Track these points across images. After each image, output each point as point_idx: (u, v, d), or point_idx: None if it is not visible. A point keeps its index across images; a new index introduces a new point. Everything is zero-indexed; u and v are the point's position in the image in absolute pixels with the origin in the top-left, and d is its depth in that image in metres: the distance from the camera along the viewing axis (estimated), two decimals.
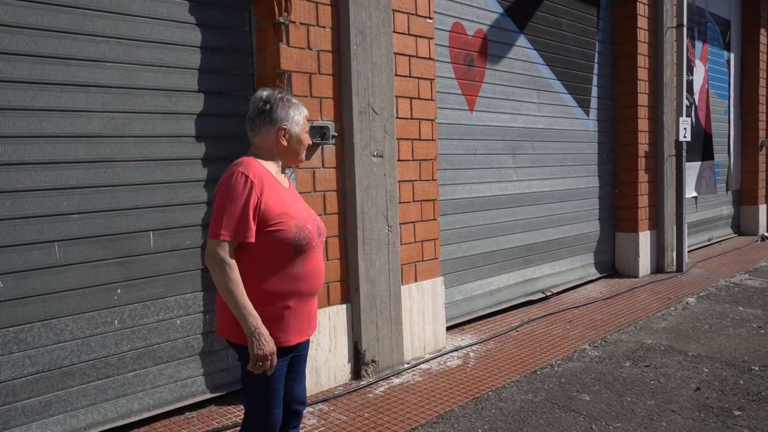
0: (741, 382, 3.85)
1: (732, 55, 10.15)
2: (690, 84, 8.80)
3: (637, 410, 3.45)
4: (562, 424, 3.29)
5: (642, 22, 6.98)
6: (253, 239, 2.02)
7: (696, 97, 9.04)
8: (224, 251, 2.02)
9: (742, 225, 10.55)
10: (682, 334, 4.87)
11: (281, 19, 3.54)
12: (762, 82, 10.43)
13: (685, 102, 8.51)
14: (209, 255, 2.05)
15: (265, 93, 2.25)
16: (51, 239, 3.00)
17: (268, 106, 2.22)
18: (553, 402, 3.59)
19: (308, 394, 3.62)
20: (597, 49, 6.86)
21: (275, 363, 2.06)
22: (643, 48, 7.01)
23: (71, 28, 3.01)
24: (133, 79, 3.23)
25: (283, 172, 2.28)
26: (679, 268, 7.33)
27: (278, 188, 2.13)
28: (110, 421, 3.21)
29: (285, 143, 2.21)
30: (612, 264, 7.27)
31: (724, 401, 3.55)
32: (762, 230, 10.42)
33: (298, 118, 2.22)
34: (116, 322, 3.23)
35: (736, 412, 3.40)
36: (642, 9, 6.97)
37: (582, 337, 4.84)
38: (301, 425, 3.22)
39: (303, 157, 2.33)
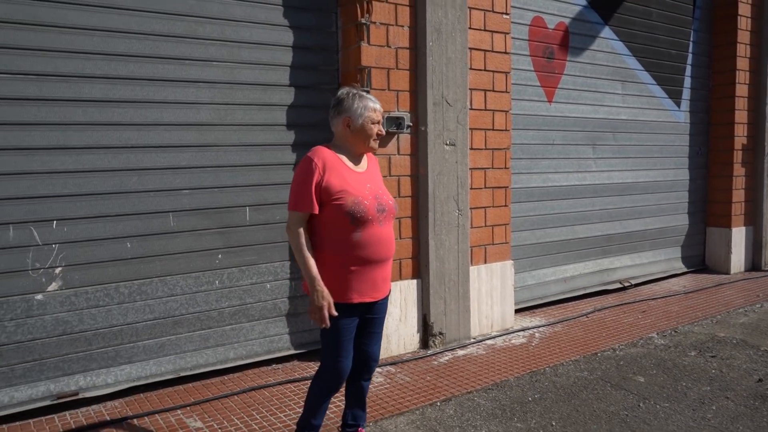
0: None
1: None
2: None
3: (690, 394, 3.57)
4: (611, 400, 3.49)
5: (744, 9, 6.73)
6: (315, 211, 2.45)
7: None
8: (293, 221, 2.47)
9: None
10: (760, 330, 4.80)
11: (363, 20, 3.95)
12: None
13: None
14: (287, 224, 2.51)
15: (341, 90, 2.66)
16: (167, 210, 3.61)
17: (339, 101, 2.62)
18: (606, 380, 3.78)
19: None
20: (691, 39, 6.71)
21: (329, 314, 2.46)
22: (744, 36, 6.76)
23: (186, 33, 3.59)
24: (235, 76, 3.78)
25: (358, 157, 2.64)
26: None
27: (342, 170, 2.52)
28: (210, 365, 3.80)
29: (350, 132, 2.60)
30: (702, 259, 7.10)
31: None
32: None
33: (361, 110, 2.58)
34: (217, 282, 3.81)
35: None
36: None
37: (652, 326, 4.91)
38: (370, 383, 3.65)
39: (372, 144, 2.63)
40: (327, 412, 2.87)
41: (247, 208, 3.89)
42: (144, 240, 3.55)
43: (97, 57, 3.34)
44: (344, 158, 2.60)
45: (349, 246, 2.50)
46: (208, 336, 3.81)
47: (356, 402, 2.84)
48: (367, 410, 3.12)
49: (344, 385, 2.78)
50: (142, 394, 3.57)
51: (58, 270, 3.32)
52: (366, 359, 2.74)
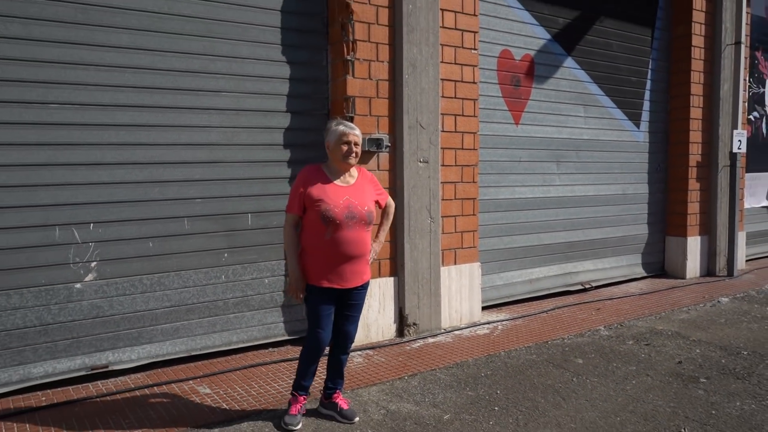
0: (723, 361, 4.52)
1: None
2: (760, 97, 9.04)
3: (618, 372, 4.27)
4: (550, 376, 4.19)
5: (697, 41, 7.48)
6: (300, 213, 3.19)
7: None
8: (287, 220, 3.22)
9: None
10: (695, 325, 5.51)
11: (349, 57, 4.70)
12: None
13: (753, 114, 8.84)
14: (284, 223, 3.27)
15: (329, 121, 3.39)
16: (182, 215, 4.34)
17: (326, 130, 3.36)
18: (550, 362, 4.48)
19: (359, 344, 4.75)
20: (650, 66, 7.46)
21: (300, 294, 3.22)
22: (698, 65, 7.52)
23: (200, 69, 4.33)
24: (240, 104, 4.51)
25: (340, 172, 3.33)
26: (730, 273, 7.74)
27: (323, 183, 3.24)
28: (217, 347, 4.51)
29: (330, 152, 3.32)
30: (662, 265, 7.81)
31: (697, 372, 4.27)
32: None
33: (333, 135, 3.26)
34: (223, 276, 4.53)
35: (702, 380, 4.13)
36: (698, 29, 7.47)
37: (602, 321, 5.62)
38: (350, 362, 4.36)
39: (348, 161, 3.33)
40: (313, 382, 3.55)
41: (249, 214, 4.61)
42: (163, 240, 4.27)
43: (128, 89, 4.08)
44: (327, 173, 3.31)
45: (322, 243, 3.21)
46: (215, 322, 4.52)
47: (335, 372, 3.54)
48: (345, 382, 3.82)
49: (327, 359, 3.49)
50: (160, 369, 4.28)
51: (93, 264, 4.04)
52: (343, 336, 3.45)
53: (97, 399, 3.78)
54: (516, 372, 4.27)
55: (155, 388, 3.95)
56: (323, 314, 3.29)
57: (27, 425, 3.40)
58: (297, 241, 3.25)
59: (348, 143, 3.28)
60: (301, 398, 3.43)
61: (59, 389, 3.92)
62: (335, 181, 3.30)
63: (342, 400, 3.51)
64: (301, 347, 4.67)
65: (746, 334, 5.21)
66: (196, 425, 3.38)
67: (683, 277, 7.57)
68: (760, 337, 5.13)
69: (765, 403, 3.72)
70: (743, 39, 7.72)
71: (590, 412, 3.60)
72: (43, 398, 3.79)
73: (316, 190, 3.20)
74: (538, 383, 4.06)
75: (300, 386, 3.42)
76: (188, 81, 4.30)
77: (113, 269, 4.11)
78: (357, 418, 3.46)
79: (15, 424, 3.41)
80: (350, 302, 3.39)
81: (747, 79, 8.42)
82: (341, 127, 3.28)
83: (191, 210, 4.37)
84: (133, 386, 3.96)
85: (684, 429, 3.36)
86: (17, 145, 3.76)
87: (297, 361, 4.35)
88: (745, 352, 4.71)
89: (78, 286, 4.00)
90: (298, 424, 3.35)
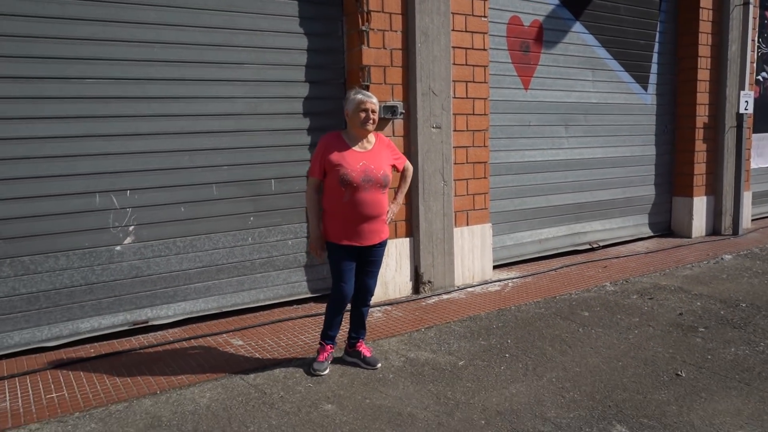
0: (722, 312, 4.80)
1: None
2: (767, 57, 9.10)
3: (621, 323, 4.56)
4: (557, 327, 4.49)
5: (705, 2, 7.55)
6: (321, 177, 3.45)
7: None
8: (309, 184, 3.50)
9: None
10: (698, 280, 5.77)
11: (363, 28, 4.90)
12: None
13: (762, 74, 8.92)
14: (306, 187, 3.54)
15: (352, 90, 3.61)
16: (211, 182, 4.62)
17: (345, 98, 3.59)
18: (557, 314, 4.78)
19: (378, 301, 5.06)
20: (658, 29, 7.56)
21: (322, 250, 3.52)
22: (705, 26, 7.60)
23: (223, 43, 4.56)
24: (262, 75, 4.75)
25: (358, 138, 3.58)
26: (735, 232, 7.96)
27: (342, 148, 3.48)
28: (245, 304, 4.85)
29: (349, 119, 3.55)
30: (668, 225, 8.04)
31: (696, 323, 4.56)
32: None
33: (352, 103, 3.51)
34: (250, 239, 4.83)
35: (701, 329, 4.41)
36: None
37: (608, 278, 5.89)
38: (370, 317, 4.67)
39: (366, 127, 3.57)
40: (338, 334, 3.87)
41: (273, 180, 4.89)
42: (194, 205, 4.57)
43: (157, 63, 4.32)
44: (346, 139, 3.56)
45: (341, 204, 3.47)
46: (243, 281, 4.85)
47: (358, 324, 3.85)
48: (367, 334, 4.13)
49: (349, 312, 3.80)
50: (194, 324, 4.63)
51: (131, 228, 4.35)
52: (364, 290, 3.74)
53: (141, 350, 4.13)
54: (525, 324, 4.57)
55: (192, 341, 4.30)
56: (345, 269, 3.58)
57: (81, 373, 3.76)
58: (318, 204, 3.52)
59: (366, 110, 3.51)
60: (328, 347, 3.75)
61: (105, 342, 4.28)
62: (354, 147, 3.54)
63: (365, 349, 3.84)
64: (323, 304, 5.03)
65: (746, 288, 5.46)
66: (233, 372, 3.72)
67: (689, 236, 7.80)
68: (759, 290, 5.39)
69: (758, 348, 4.01)
70: None
71: (594, 358, 3.90)
72: (92, 350, 4.15)
73: (336, 156, 3.45)
74: (546, 333, 4.36)
75: (327, 336, 3.74)
76: (212, 54, 4.53)
77: (149, 233, 4.42)
78: (379, 364, 3.79)
79: (70, 372, 3.78)
80: (370, 258, 3.68)
81: (756, 39, 8.47)
82: (359, 96, 3.51)
83: (219, 176, 4.65)
84: (171, 339, 4.32)
85: (681, 371, 3.66)
86: (59, 118, 4.03)
87: (321, 316, 4.70)
88: (743, 305, 4.98)
89: (118, 248, 4.32)
90: (325, 369, 3.67)
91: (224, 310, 4.76)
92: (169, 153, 4.43)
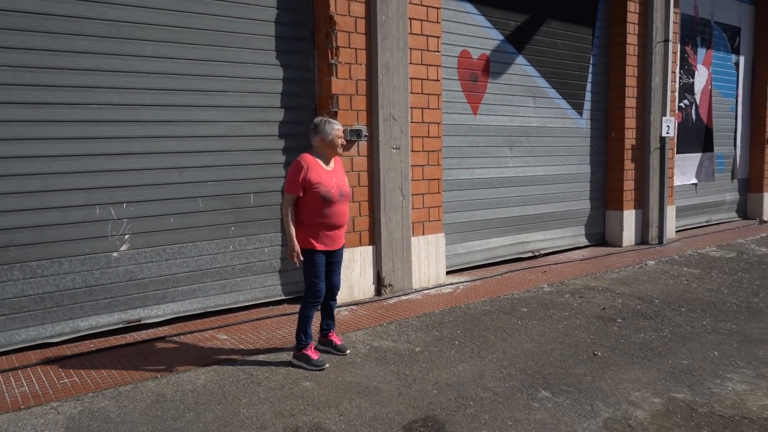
0: (638, 307, 5.64)
1: (742, 58, 11.39)
2: (689, 86, 10.23)
3: (553, 317, 5.35)
4: (500, 320, 5.24)
5: (631, 39, 8.57)
6: (301, 194, 4.07)
7: (697, 97, 10.45)
8: (286, 200, 4.10)
9: (749, 210, 11.83)
10: (622, 282, 6.64)
11: (332, 61, 5.60)
12: None
13: (683, 102, 10.03)
14: (282, 202, 4.14)
15: (316, 119, 4.28)
16: (197, 195, 5.21)
17: (317, 126, 4.25)
18: (500, 311, 5.54)
19: (344, 301, 5.71)
20: (591, 62, 8.53)
21: (299, 256, 4.07)
22: (632, 60, 8.61)
23: (210, 73, 5.18)
24: (244, 101, 5.38)
25: (329, 160, 4.26)
26: (660, 241, 8.94)
27: (319, 169, 4.14)
28: (227, 305, 5.43)
29: (325, 144, 4.23)
30: (602, 236, 8.97)
31: (616, 315, 5.38)
32: (766, 215, 11.67)
33: (331, 131, 4.21)
34: (231, 247, 5.43)
35: (618, 320, 5.23)
36: (632, 28, 8.55)
37: (546, 280, 6.70)
38: (338, 315, 5.31)
39: (338, 151, 4.28)
40: (311, 329, 4.49)
41: (252, 194, 5.50)
42: (182, 216, 5.15)
43: (152, 91, 4.92)
44: (320, 161, 4.22)
45: (320, 216, 4.12)
46: (225, 284, 5.43)
47: (328, 315, 4.49)
48: (336, 330, 4.77)
49: (319, 310, 4.42)
50: (182, 323, 5.19)
51: (126, 236, 4.90)
52: (332, 286, 4.38)
53: (137, 344, 4.67)
54: (473, 318, 5.30)
55: (182, 336, 4.87)
56: (320, 270, 4.22)
57: (86, 363, 4.28)
58: (293, 216, 4.11)
59: (341, 137, 4.22)
60: (312, 344, 4.33)
61: (102, 339, 4.80)
62: (326, 168, 4.21)
63: (336, 338, 4.49)
64: (296, 305, 5.66)
65: (662, 288, 6.35)
66: (222, 360, 4.32)
67: (620, 246, 8.73)
68: (672, 290, 6.28)
69: (662, 334, 4.84)
70: (671, 37, 8.83)
71: (528, 343, 4.65)
72: (92, 345, 4.66)
73: (315, 176, 4.10)
74: (490, 325, 5.10)
75: (307, 334, 4.22)
76: (200, 83, 5.15)
77: (142, 240, 4.98)
78: (348, 351, 4.44)
79: (77, 362, 4.29)
80: (336, 260, 4.34)
81: (677, 71, 9.56)
82: (337, 126, 4.19)
83: (204, 191, 5.24)
84: (162, 335, 4.87)
85: (598, 352, 4.44)
86: (65, 139, 4.58)
87: (295, 315, 5.32)
88: (657, 301, 5.84)
89: (115, 254, 4.86)
90: (325, 363, 4.22)
91: (208, 310, 5.33)
92: (161, 170, 5.02)
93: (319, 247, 4.14)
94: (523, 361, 4.28)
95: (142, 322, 5.01)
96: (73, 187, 4.65)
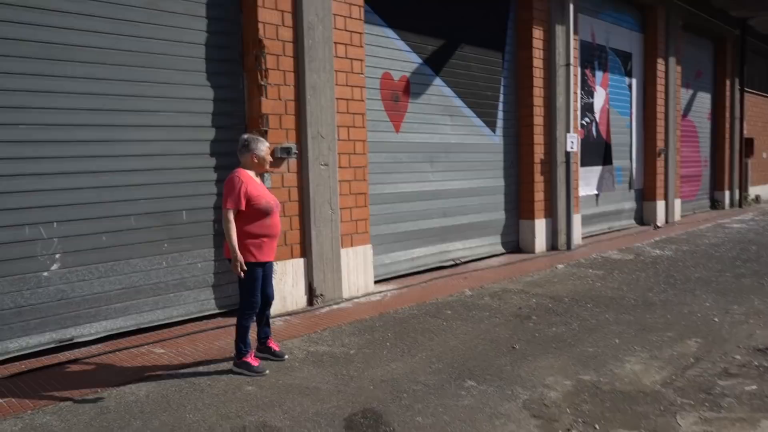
0: (550, 305, 6.19)
1: (634, 80, 12.55)
2: (590, 105, 11.19)
3: (475, 317, 5.78)
4: (427, 323, 5.61)
5: (537, 63, 9.32)
6: (243, 208, 4.27)
7: (597, 115, 11.43)
8: (230, 214, 4.29)
9: (645, 217, 12.96)
10: (536, 284, 7.21)
11: (262, 83, 5.84)
12: (660, 102, 12.84)
13: (585, 120, 10.93)
14: (223, 217, 4.31)
15: (245, 136, 4.51)
16: (129, 213, 5.28)
17: (247, 143, 4.48)
18: (426, 314, 5.92)
19: (278, 312, 5.90)
20: (502, 83, 9.20)
21: (244, 268, 4.27)
22: (538, 82, 9.36)
23: (142, 94, 5.29)
24: (175, 121, 5.51)
25: (258, 175, 4.50)
26: (569, 247, 9.69)
27: (255, 183, 4.37)
28: (160, 321, 5.49)
29: (256, 162, 4.46)
30: (517, 244, 9.61)
31: (531, 313, 5.88)
32: (659, 221, 12.83)
33: (261, 149, 4.45)
34: (164, 263, 5.51)
35: (533, 317, 5.73)
36: (537, 53, 9.31)
37: (467, 285, 7.17)
38: (273, 325, 5.48)
39: (267, 167, 4.54)
40: (250, 338, 4.67)
41: (184, 211, 5.62)
42: (115, 234, 5.20)
43: (84, 111, 4.97)
44: (253, 176, 4.46)
45: (263, 227, 4.36)
46: (158, 300, 5.50)
47: (264, 323, 4.69)
48: (272, 337, 4.96)
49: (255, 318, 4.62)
50: (115, 340, 5.20)
51: (57, 255, 4.90)
52: (266, 297, 4.58)
53: (72, 363, 4.67)
54: (402, 322, 5.65)
55: (118, 353, 4.90)
56: (259, 282, 4.43)
57: (20, 384, 4.26)
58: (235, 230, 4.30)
59: (269, 153, 4.49)
60: (252, 352, 4.51)
61: (34, 359, 4.76)
62: (258, 182, 4.46)
63: (274, 344, 4.70)
64: (230, 318, 5.79)
65: (570, 288, 6.96)
66: (161, 372, 4.42)
67: (533, 252, 9.39)
68: (579, 289, 6.90)
69: (571, 327, 5.37)
70: (572, 61, 9.68)
71: (454, 341, 5.04)
72: (23, 366, 4.62)
73: (254, 189, 4.33)
74: (418, 327, 5.46)
75: (246, 343, 4.40)
76: (133, 103, 5.25)
77: (74, 259, 4.99)
78: (287, 356, 4.66)
79: (10, 384, 4.26)
80: (269, 272, 4.57)
81: (578, 92, 10.45)
82: (265, 144, 4.45)
83: (137, 209, 5.32)
84: (97, 353, 4.89)
85: (516, 345, 4.89)
86: None
87: (230, 327, 5.45)
88: (566, 299, 6.42)
89: (45, 274, 4.85)
90: (265, 369, 4.40)
91: (142, 326, 5.38)
92: (92, 189, 5.06)
93: (261, 258, 4.35)
94: (450, 356, 4.66)
95: (74, 341, 5.00)
96: (1, 207, 4.62)
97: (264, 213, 4.32)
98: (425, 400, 3.84)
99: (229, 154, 5.84)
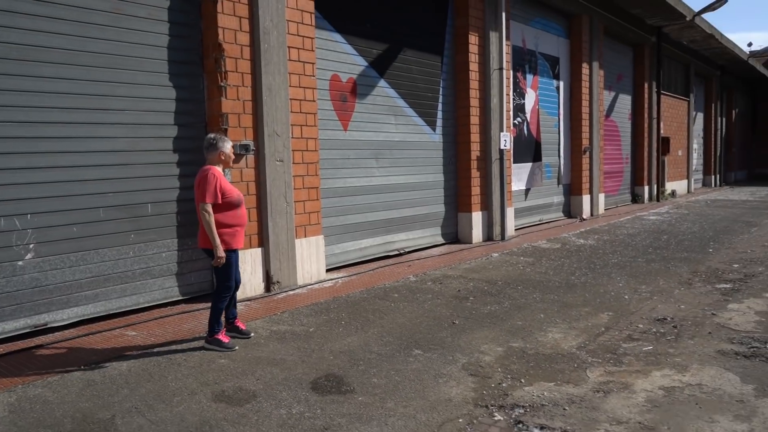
0: (485, 288, 6.92)
1: (561, 83, 13.56)
2: (521, 106, 12.08)
3: (420, 299, 6.43)
4: (376, 304, 6.22)
5: (473, 67, 10.08)
6: (220, 201, 4.74)
7: (528, 115, 12.34)
8: (206, 208, 4.74)
9: (572, 210, 14.04)
10: (473, 270, 7.95)
11: (222, 84, 6.27)
12: (585, 103, 13.93)
13: (517, 119, 11.79)
14: (202, 210, 4.75)
15: (211, 135, 4.97)
16: (98, 206, 5.62)
17: (214, 142, 4.94)
18: (376, 297, 6.52)
19: (238, 298, 6.34)
20: (441, 85, 9.91)
21: (225, 258, 4.76)
22: (474, 84, 10.12)
23: (108, 93, 5.63)
24: (140, 119, 5.88)
25: (223, 171, 4.98)
26: (503, 238, 10.53)
27: (224, 179, 4.85)
28: (129, 307, 5.86)
29: (222, 159, 4.93)
30: (456, 235, 10.36)
31: (468, 295, 6.59)
32: (585, 214, 13.94)
33: (226, 147, 4.93)
34: (131, 252, 5.88)
35: (471, 298, 6.44)
36: (473, 57, 10.07)
37: (412, 272, 7.82)
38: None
39: (231, 163, 5.02)
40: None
41: (149, 204, 6.00)
42: (85, 225, 5.53)
43: (54, 110, 5.28)
44: (222, 173, 4.93)
45: (236, 218, 4.84)
46: (125, 288, 5.86)
47: (232, 305, 5.17)
48: (238, 318, 5.44)
49: None
50: (86, 325, 5.54)
51: (31, 246, 5.20)
52: (236, 281, 5.09)
53: (48, 346, 5.00)
54: (354, 304, 6.23)
55: (92, 336, 5.26)
56: (233, 266, 4.91)
57: (2, 364, 4.58)
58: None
59: (233, 152, 4.97)
60: (223, 330, 4.98)
61: (10, 343, 5.06)
62: (227, 178, 4.95)
63: (241, 324, 5.19)
64: (194, 304, 6.21)
65: (503, 273, 7.74)
66: (137, 350, 4.83)
67: (470, 242, 10.17)
68: (512, 274, 7.68)
69: (504, 306, 6.10)
70: (504, 65, 10.50)
71: (401, 319, 5.67)
72: (1, 349, 4.92)
73: (225, 184, 4.80)
74: (369, 308, 6.06)
75: (219, 323, 4.90)
76: (99, 102, 5.58)
77: (47, 249, 5.30)
78: (253, 334, 5.16)
79: None
80: (237, 258, 5.05)
81: (510, 94, 11.29)
82: (229, 142, 4.93)
83: (105, 202, 5.66)
84: (71, 337, 5.23)
85: (456, 321, 5.57)
86: None
87: (195, 312, 5.92)
88: (500, 282, 7.17)
89: (20, 263, 5.15)
90: (235, 345, 4.88)
91: (111, 312, 5.73)
92: (64, 183, 5.38)
93: (235, 245, 4.84)
94: (399, 331, 5.28)
95: (48, 326, 5.31)
96: None
97: (235, 205, 4.81)
98: (379, 365, 4.45)
99: (191, 150, 6.27)
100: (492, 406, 3.73)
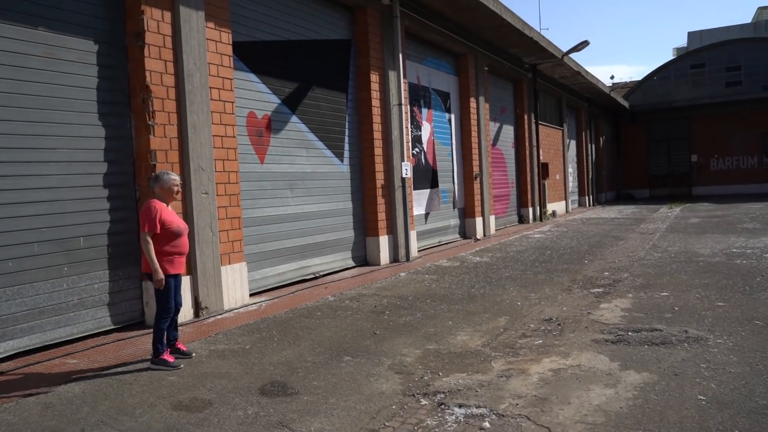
0: (399, 303, 7.72)
1: (453, 116, 14.89)
2: (419, 137, 13.18)
3: (341, 315, 7.10)
4: (303, 322, 6.81)
5: (375, 103, 11.02)
6: (158, 231, 5.19)
7: (425, 146, 13.47)
8: (146, 238, 5.17)
9: (467, 231, 15.31)
10: (385, 288, 8.74)
11: (150, 122, 6.69)
12: (474, 134, 15.34)
13: (415, 150, 12.84)
14: (142, 239, 5.17)
15: (158, 171, 5.43)
16: (32, 241, 5.82)
17: (159, 177, 5.40)
18: (301, 315, 7.12)
19: None
20: (347, 119, 10.74)
21: (164, 282, 5.20)
22: (377, 118, 11.05)
23: (42, 133, 5.89)
24: (71, 157, 6.16)
25: (168, 204, 5.43)
26: (408, 259, 11.44)
27: (167, 210, 5.31)
28: (62, 338, 6.05)
29: (166, 192, 5.39)
30: (365, 258, 11.13)
31: (384, 309, 7.35)
32: (479, 235, 15.25)
33: (169, 181, 5.38)
34: (65, 285, 6.10)
35: (387, 312, 7.20)
36: (375, 94, 11.01)
37: (329, 293, 8.48)
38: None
39: (176, 197, 5.49)
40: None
41: (81, 238, 6.25)
42: (20, 260, 5.72)
43: None
44: (166, 205, 5.39)
45: (175, 246, 5.29)
46: (59, 320, 6.06)
47: (173, 328, 5.58)
48: (179, 340, 5.84)
49: None
50: (22, 357, 5.69)
51: None
52: (176, 304, 5.51)
53: None
54: (282, 323, 6.79)
55: (32, 366, 5.44)
56: (172, 290, 5.34)
57: None
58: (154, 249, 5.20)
59: (177, 185, 5.46)
60: (168, 350, 5.37)
61: None
62: (169, 209, 5.41)
63: (182, 345, 5.60)
64: (127, 332, 6.49)
65: (413, 290, 8.59)
66: (85, 374, 5.12)
67: (379, 264, 10.98)
68: (420, 290, 8.55)
69: (416, 316, 6.91)
70: (403, 101, 11.54)
71: (328, 332, 6.31)
72: None
73: (167, 216, 5.26)
74: (297, 326, 6.65)
75: (163, 344, 5.31)
76: (33, 141, 5.84)
77: None
78: (194, 354, 5.59)
79: None
80: (179, 282, 5.51)
81: (409, 126, 12.35)
82: (173, 176, 5.41)
83: (39, 237, 5.88)
84: (13, 368, 5.38)
85: (377, 331, 6.29)
86: None
87: (132, 339, 6.23)
88: (410, 298, 8.00)
89: None
90: (180, 364, 5.27)
91: (47, 343, 5.91)
92: None
93: (173, 271, 5.28)
94: (328, 343, 5.92)
95: None
96: None
97: (176, 235, 5.27)
98: (316, 371, 5.07)
99: (120, 185, 6.62)
100: (418, 394, 4.48)
